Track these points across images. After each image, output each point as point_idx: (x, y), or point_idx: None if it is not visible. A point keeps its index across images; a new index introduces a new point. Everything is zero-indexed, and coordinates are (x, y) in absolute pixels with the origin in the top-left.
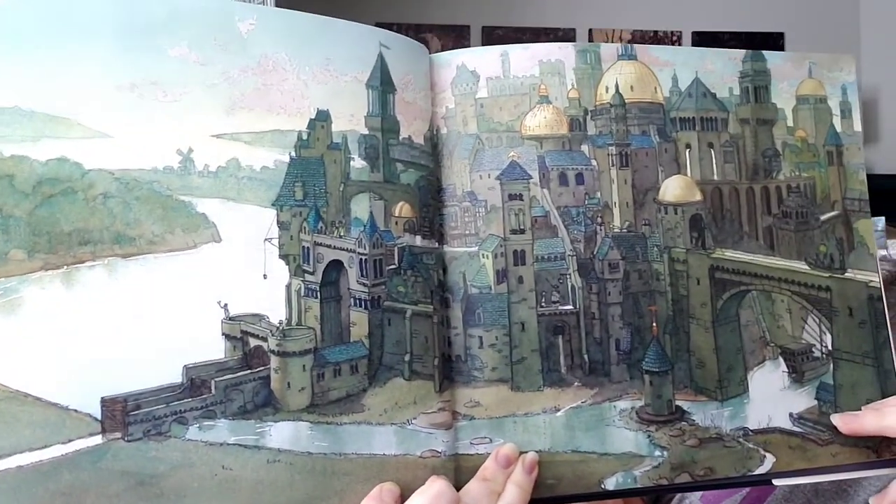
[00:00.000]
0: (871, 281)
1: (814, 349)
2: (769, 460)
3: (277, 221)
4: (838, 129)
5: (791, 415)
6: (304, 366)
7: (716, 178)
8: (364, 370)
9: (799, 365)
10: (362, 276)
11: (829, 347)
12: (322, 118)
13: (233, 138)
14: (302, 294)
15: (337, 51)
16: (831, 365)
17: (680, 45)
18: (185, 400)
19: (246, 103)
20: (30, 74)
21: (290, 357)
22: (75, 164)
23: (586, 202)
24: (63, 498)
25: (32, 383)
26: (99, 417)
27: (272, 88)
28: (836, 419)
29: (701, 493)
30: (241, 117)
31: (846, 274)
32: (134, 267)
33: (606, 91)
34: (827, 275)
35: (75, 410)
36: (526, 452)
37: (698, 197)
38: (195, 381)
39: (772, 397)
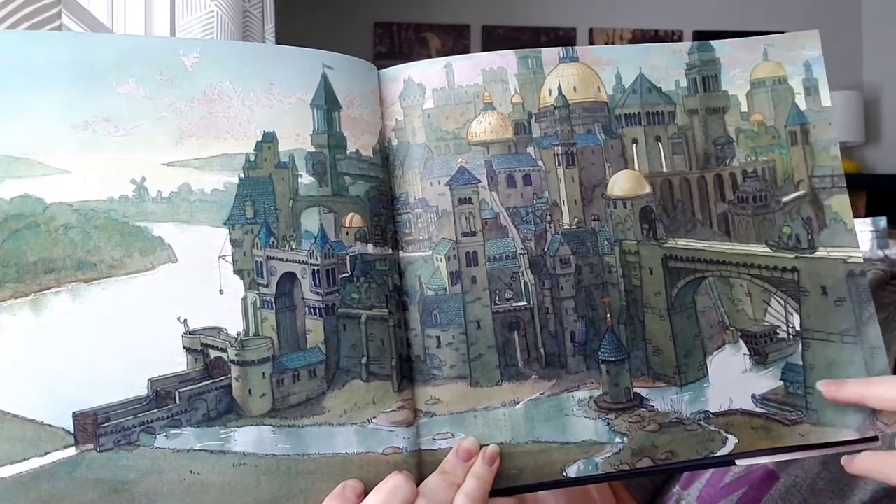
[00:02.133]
0: (851, 257)
1: (778, 331)
2: (731, 441)
3: (230, 239)
4: (802, 107)
5: (753, 396)
6: (263, 373)
7: (665, 169)
8: (322, 374)
9: (762, 347)
10: (315, 285)
11: (797, 328)
12: (268, 139)
13: (183, 165)
14: (258, 306)
15: (280, 75)
16: (799, 345)
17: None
18: (152, 411)
19: (194, 132)
20: None
21: (250, 366)
22: (37, 200)
23: (535, 202)
24: None
25: (9, 402)
26: (72, 431)
27: (218, 116)
28: (822, 385)
29: (698, 493)
30: (189, 145)
31: (817, 253)
32: (96, 290)
33: (549, 94)
34: (792, 255)
35: (50, 425)
36: (487, 445)
37: (647, 190)
38: (160, 393)
39: (733, 380)
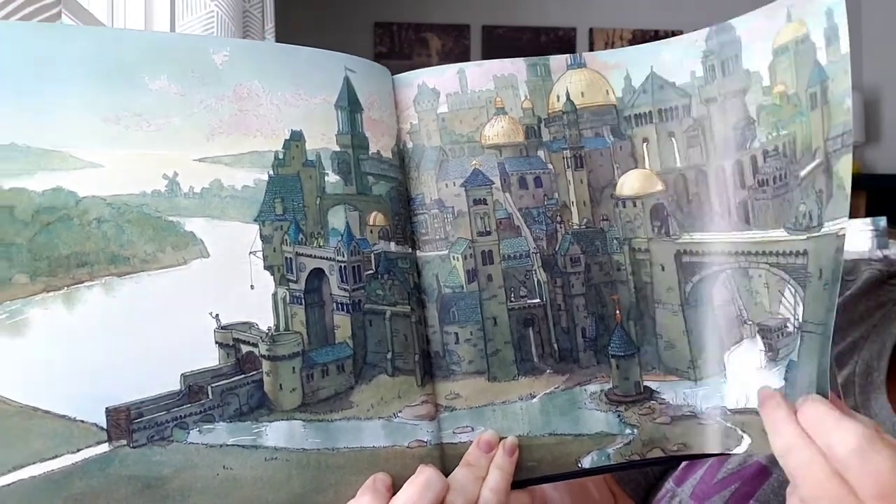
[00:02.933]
0: (841, 229)
1: (788, 324)
2: (745, 441)
3: (260, 235)
4: (823, 62)
5: None
6: (293, 368)
7: (679, 164)
8: (350, 369)
9: (775, 342)
10: (342, 281)
11: (800, 319)
12: (296, 138)
13: (214, 161)
14: (287, 301)
15: (305, 76)
16: (798, 340)
17: None
18: (185, 406)
19: (224, 129)
20: (23, 113)
21: (281, 360)
22: (70, 193)
23: (545, 203)
24: None
25: (41, 398)
26: (105, 426)
27: (248, 114)
28: (763, 394)
29: (691, 489)
30: (220, 142)
31: (823, 229)
32: (129, 284)
33: (558, 100)
34: (805, 236)
35: (82, 421)
36: (506, 438)
37: (659, 187)
38: (193, 388)
39: (749, 377)
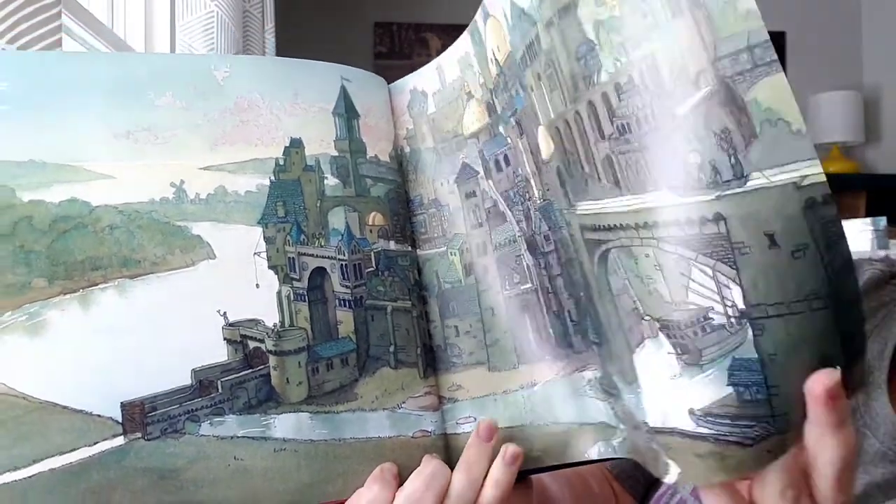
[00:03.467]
0: (806, 176)
1: (711, 314)
2: (673, 469)
3: (264, 237)
4: None
5: (692, 412)
6: (299, 362)
7: (552, 115)
8: (354, 362)
9: (690, 341)
10: (344, 279)
11: (741, 305)
12: (296, 145)
13: (218, 169)
14: (291, 299)
15: (303, 86)
16: (749, 331)
17: None
18: (196, 399)
19: (227, 139)
20: (42, 131)
21: (287, 355)
22: (84, 203)
23: (516, 181)
24: (93, 496)
25: (59, 394)
26: (120, 420)
27: (249, 124)
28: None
29: (692, 486)
30: (224, 151)
31: (750, 182)
32: (141, 286)
33: (492, 64)
34: (713, 195)
35: (98, 415)
36: (504, 436)
37: (551, 146)
38: (203, 383)
39: (663, 389)
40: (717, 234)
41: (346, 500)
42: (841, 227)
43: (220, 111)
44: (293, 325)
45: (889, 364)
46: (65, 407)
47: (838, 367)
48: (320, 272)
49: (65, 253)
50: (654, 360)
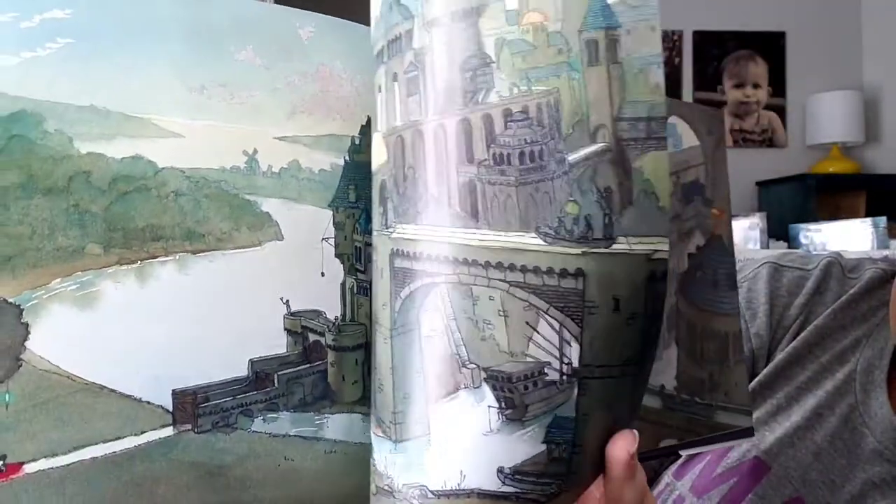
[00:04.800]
0: (657, 251)
1: (547, 370)
2: None
3: (333, 222)
4: None
5: (501, 471)
6: (356, 360)
7: (398, 122)
8: None
9: (518, 396)
10: None
11: (576, 364)
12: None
13: (294, 141)
14: (355, 292)
15: None
16: (575, 390)
17: (681, 44)
18: (251, 393)
19: (305, 108)
20: (104, 75)
21: (345, 352)
22: (149, 163)
23: None
24: (136, 489)
25: (108, 376)
26: (170, 410)
27: (329, 95)
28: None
29: (690, 483)
30: (301, 121)
31: (615, 245)
32: (203, 263)
33: None
34: (579, 251)
35: (148, 402)
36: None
37: (384, 156)
38: (260, 375)
39: (468, 445)
40: (574, 289)
41: None
42: (662, 304)
43: (301, 76)
44: (354, 320)
45: (889, 363)
46: (112, 390)
47: (634, 431)
48: None
49: (124, 218)
50: (466, 414)
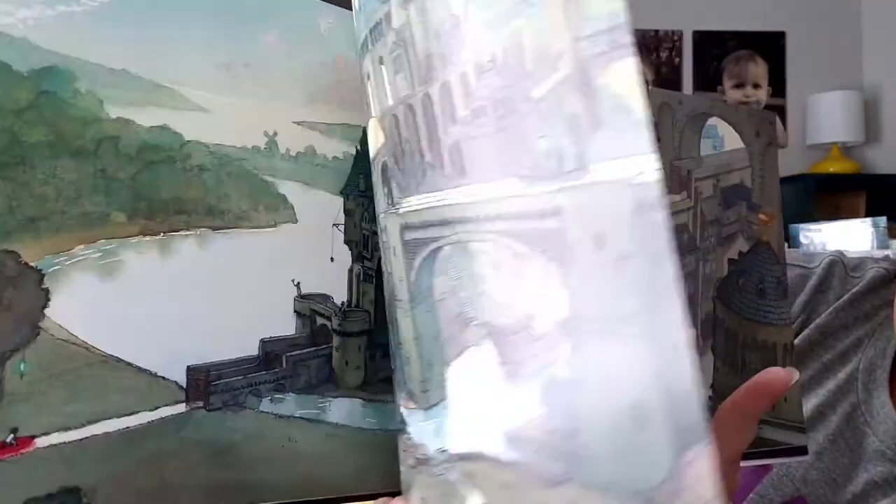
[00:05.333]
0: (640, 173)
1: (536, 320)
2: (475, 502)
3: (344, 209)
4: None
5: (507, 434)
6: (359, 346)
7: (390, 102)
8: None
9: (512, 349)
10: None
11: (565, 312)
12: None
13: (310, 127)
14: (361, 278)
15: None
16: (568, 345)
17: (681, 45)
18: (261, 373)
19: (322, 96)
20: (139, 41)
21: (349, 337)
22: (176, 135)
23: None
24: (146, 465)
25: (125, 349)
26: (184, 386)
27: (344, 85)
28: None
29: None
30: (318, 108)
31: (588, 175)
32: (223, 240)
33: None
34: (555, 187)
35: (163, 378)
36: None
37: (382, 139)
38: (269, 355)
39: (478, 404)
40: (554, 228)
41: (389, 492)
42: (667, 240)
43: (320, 64)
44: (359, 307)
45: (891, 362)
46: (129, 364)
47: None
48: None
49: (150, 188)
50: (474, 372)
